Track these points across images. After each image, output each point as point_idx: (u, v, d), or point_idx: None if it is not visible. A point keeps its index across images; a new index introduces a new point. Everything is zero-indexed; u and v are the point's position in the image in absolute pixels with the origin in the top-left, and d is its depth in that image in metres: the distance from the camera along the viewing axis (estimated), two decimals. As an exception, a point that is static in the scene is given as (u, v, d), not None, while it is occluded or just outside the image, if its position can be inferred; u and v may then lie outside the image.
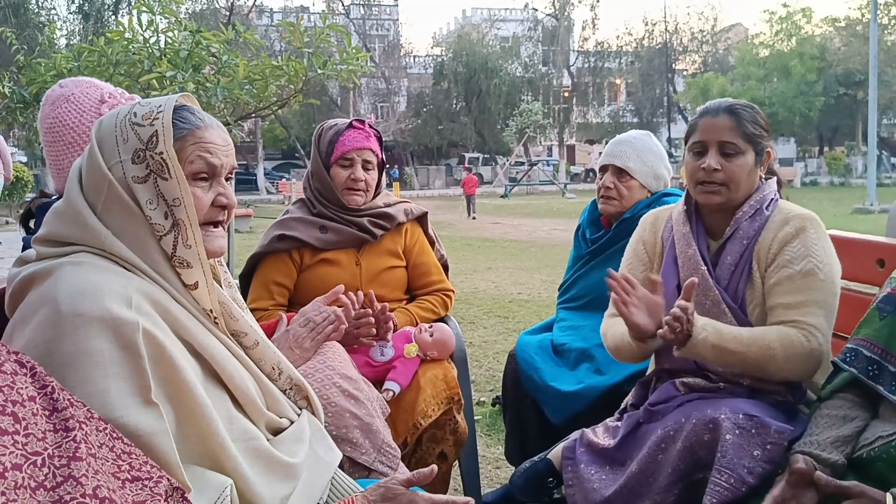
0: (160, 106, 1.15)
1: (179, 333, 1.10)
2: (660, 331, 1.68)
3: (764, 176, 1.88)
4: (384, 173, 2.43)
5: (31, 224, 1.67)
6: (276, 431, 1.24)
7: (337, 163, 2.24)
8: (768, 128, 1.88)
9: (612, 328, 1.95)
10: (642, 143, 2.49)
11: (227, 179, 1.22)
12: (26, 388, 0.70)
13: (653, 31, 42.84)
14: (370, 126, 2.32)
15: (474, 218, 17.86)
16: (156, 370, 1.02)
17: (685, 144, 1.91)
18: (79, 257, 1.08)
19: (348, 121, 2.30)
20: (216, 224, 1.21)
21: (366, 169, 2.27)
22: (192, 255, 1.13)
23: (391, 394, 2.02)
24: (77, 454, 0.70)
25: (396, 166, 35.39)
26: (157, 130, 1.12)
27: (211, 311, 1.17)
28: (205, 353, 1.13)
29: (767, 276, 1.77)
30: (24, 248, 1.61)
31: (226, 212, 1.21)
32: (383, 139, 2.39)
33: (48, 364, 0.95)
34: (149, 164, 1.12)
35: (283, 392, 1.32)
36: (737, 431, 1.55)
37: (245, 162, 33.81)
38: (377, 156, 2.30)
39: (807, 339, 1.68)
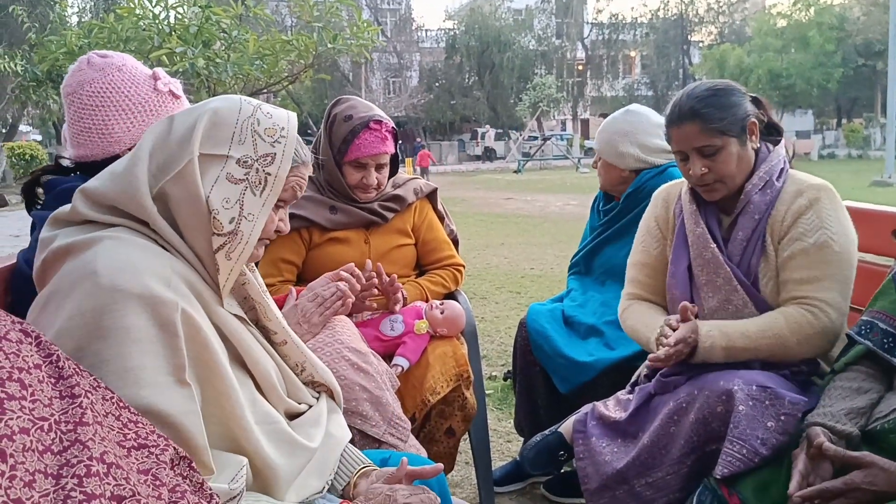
0: (283, 128, 1.18)
1: (210, 317, 1.11)
2: (647, 365, 1.70)
3: (760, 143, 1.80)
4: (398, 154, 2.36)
5: (39, 196, 1.66)
6: (294, 416, 1.27)
7: (350, 164, 2.19)
8: (741, 97, 1.76)
9: (635, 322, 1.94)
10: (609, 124, 2.55)
11: None
12: (32, 356, 0.71)
13: (668, 1, 42.21)
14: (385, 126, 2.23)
15: None
16: (189, 350, 1.03)
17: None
18: (119, 232, 1.08)
19: (365, 118, 2.17)
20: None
21: (379, 170, 2.22)
22: (226, 265, 1.14)
23: (400, 370, 2.03)
24: (84, 419, 0.71)
25: (418, 140, 35.08)
26: (276, 153, 1.15)
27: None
28: (233, 337, 1.15)
29: (781, 248, 1.74)
30: (32, 228, 1.60)
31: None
32: (396, 114, 2.34)
33: (86, 336, 0.96)
34: (248, 174, 1.14)
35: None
36: (750, 403, 1.55)
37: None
38: (391, 153, 2.24)
39: (816, 318, 1.66)
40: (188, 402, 1.00)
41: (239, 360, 1.16)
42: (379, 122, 2.18)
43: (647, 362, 1.97)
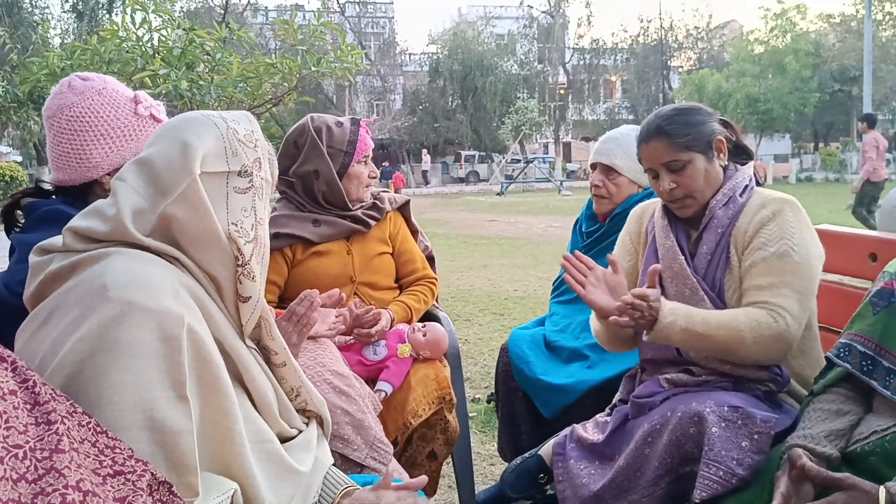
0: (253, 131, 1.21)
1: (213, 331, 1.10)
2: (613, 317, 1.68)
3: (729, 162, 1.84)
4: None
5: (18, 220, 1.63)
6: (284, 440, 1.26)
7: (360, 162, 2.31)
8: (707, 116, 1.82)
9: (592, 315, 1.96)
10: (629, 139, 2.47)
11: None
12: (7, 382, 0.70)
13: (648, 27, 42.95)
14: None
15: None
16: (192, 366, 1.02)
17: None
18: (123, 248, 1.07)
19: (353, 119, 2.36)
20: None
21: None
22: (257, 270, 1.16)
23: (383, 394, 2.02)
24: (59, 447, 0.70)
25: (385, 164, 35.23)
26: (261, 157, 1.20)
27: (242, 326, 1.18)
28: (233, 353, 1.14)
29: (744, 258, 1.76)
30: (11, 251, 1.58)
31: None
32: (380, 137, 2.47)
33: (91, 349, 0.95)
34: (252, 181, 1.18)
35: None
36: (722, 424, 1.55)
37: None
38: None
39: (774, 321, 1.66)
40: (185, 419, 0.99)
41: (237, 377, 1.16)
42: (359, 119, 2.39)
43: (622, 383, 1.98)
